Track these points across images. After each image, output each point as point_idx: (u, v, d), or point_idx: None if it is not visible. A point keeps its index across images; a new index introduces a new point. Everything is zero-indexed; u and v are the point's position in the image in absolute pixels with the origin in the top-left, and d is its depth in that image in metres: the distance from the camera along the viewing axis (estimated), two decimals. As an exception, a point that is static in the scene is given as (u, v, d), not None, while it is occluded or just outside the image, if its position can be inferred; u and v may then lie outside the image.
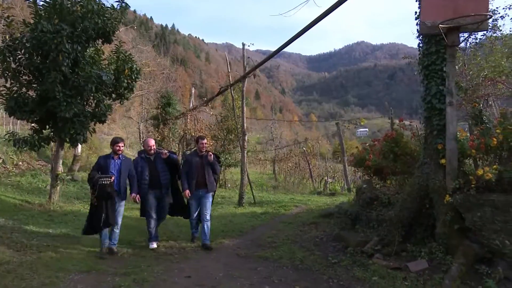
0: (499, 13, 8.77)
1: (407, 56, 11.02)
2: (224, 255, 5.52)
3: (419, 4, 5.10)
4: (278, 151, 23.24)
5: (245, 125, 11.44)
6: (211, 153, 6.14)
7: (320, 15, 7.49)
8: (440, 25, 4.48)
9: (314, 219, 7.80)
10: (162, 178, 5.96)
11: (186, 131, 15.16)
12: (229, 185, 16.41)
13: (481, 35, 7.81)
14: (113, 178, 5.38)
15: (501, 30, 8.05)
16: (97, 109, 8.79)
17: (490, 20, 7.63)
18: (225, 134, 16.30)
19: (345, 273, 4.50)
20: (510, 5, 9.63)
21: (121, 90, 9.00)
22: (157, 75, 23.01)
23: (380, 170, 6.44)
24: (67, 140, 8.52)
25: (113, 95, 9.11)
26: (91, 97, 8.66)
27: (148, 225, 5.96)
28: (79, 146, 14.60)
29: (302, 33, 8.42)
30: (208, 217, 6.02)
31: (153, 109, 17.82)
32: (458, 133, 4.81)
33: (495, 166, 4.32)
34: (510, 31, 8.26)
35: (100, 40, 8.65)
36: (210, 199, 6.17)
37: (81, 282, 4.08)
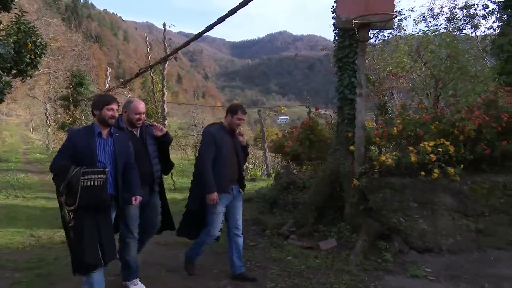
0: (403, 14, 9.69)
1: (325, 48, 11.61)
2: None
3: (335, -2, 5.38)
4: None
5: (165, 109, 11.10)
6: (242, 133, 4.07)
7: (244, 0, 7.49)
8: (353, 21, 4.80)
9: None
10: (155, 168, 3.69)
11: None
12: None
13: (388, 33, 8.54)
14: (106, 172, 2.95)
15: (404, 30, 8.92)
16: (-8, 86, 7.76)
17: (396, 20, 8.38)
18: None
19: (262, 254, 4.68)
20: (413, 8, 10.68)
21: (22, 66, 8.04)
22: (67, 51, 20.99)
23: (297, 156, 6.76)
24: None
25: (13, 71, 8.10)
26: (-15, 72, 7.61)
27: (126, 251, 3.50)
28: (-29, 128, 12.81)
29: (226, 18, 8.36)
30: (241, 229, 4.04)
31: (63, 89, 16.35)
32: (366, 123, 5.26)
33: (395, 153, 4.81)
34: (412, 31, 9.21)
35: (-5, 7, 7.58)
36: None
37: (-27, 281, 3.64)
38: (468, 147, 4.84)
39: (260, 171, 18.90)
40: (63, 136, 17.36)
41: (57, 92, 19.61)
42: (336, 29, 5.43)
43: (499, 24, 9.29)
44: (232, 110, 3.90)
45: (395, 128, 4.97)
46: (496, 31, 9.36)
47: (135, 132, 3.64)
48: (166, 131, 3.86)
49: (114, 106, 3.10)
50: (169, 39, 11.15)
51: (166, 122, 11.18)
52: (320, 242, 4.80)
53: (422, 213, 4.57)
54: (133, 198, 3.26)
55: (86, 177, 2.83)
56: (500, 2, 9.43)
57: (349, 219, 5.01)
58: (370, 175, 4.81)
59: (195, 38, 10.90)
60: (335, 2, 5.33)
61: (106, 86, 16.20)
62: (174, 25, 12.15)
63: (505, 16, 8.97)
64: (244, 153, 4.06)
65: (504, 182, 4.65)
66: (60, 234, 5.71)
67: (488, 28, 10.08)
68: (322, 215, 5.37)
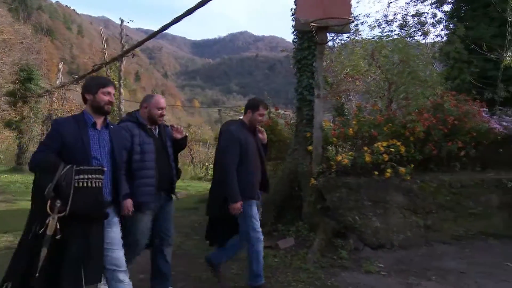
0: (360, 19, 10.04)
1: (285, 50, 11.77)
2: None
3: (295, 1, 5.47)
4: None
5: (122, 107, 10.74)
6: (262, 129, 3.76)
7: (204, -1, 7.40)
8: (312, 23, 4.90)
9: (194, 204, 7.84)
10: (173, 173, 3.38)
11: (52, 112, 13.47)
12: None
13: (346, 37, 8.82)
14: (104, 171, 2.44)
15: (361, 34, 9.23)
16: None
17: (353, 25, 8.67)
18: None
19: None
20: (369, 14, 11.09)
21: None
22: (14, 44, 19.69)
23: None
24: None
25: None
26: None
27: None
28: None
29: (186, 15, 8.22)
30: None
31: (9, 83, 15.30)
32: (323, 123, 5.39)
33: (350, 153, 4.98)
34: (367, 36, 9.58)
35: None
36: None
37: None
38: (418, 148, 5.11)
39: (220, 171, 18.78)
40: (8, 134, 16.26)
41: (2, 87, 18.35)
42: (296, 31, 5.53)
43: (446, 32, 9.90)
44: (253, 105, 3.56)
45: (351, 129, 5.14)
46: (444, 39, 9.95)
47: (153, 130, 3.29)
48: (185, 134, 3.56)
49: (111, 90, 2.62)
50: (127, 35, 10.80)
51: (123, 121, 10.83)
52: (278, 241, 4.85)
53: (375, 211, 4.76)
54: (126, 202, 2.85)
55: (80, 176, 2.29)
56: (447, 11, 10.05)
57: (307, 218, 5.11)
58: (327, 175, 4.93)
59: (154, 34, 10.64)
60: (295, 5, 5.42)
61: (58, 82, 15.41)
62: (132, 21, 11.78)
63: (452, 25, 9.57)
64: (264, 152, 3.74)
65: (450, 181, 4.95)
66: (4, 239, 5.36)
67: (436, 36, 10.70)
68: (281, 215, 5.44)
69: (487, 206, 4.93)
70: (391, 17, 10.90)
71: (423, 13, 10.67)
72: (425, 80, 6.44)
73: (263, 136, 3.71)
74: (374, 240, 4.69)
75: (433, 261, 4.32)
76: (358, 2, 16.34)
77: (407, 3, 11.14)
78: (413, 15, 10.65)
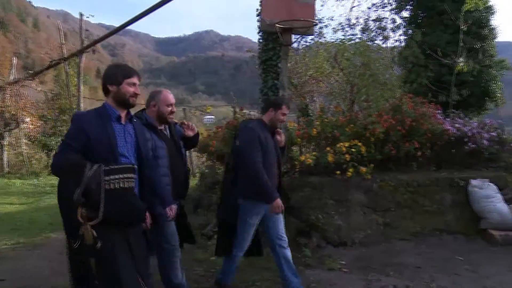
0: (324, 22, 10.27)
1: (251, 50, 11.82)
2: (51, 251, 4.89)
3: (260, 2, 5.49)
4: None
5: (82, 105, 10.33)
6: (280, 131, 3.55)
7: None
8: (277, 25, 4.94)
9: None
10: (188, 177, 3.24)
11: (5, 109, 12.70)
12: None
13: (310, 39, 8.98)
14: (136, 169, 2.29)
15: (325, 37, 9.45)
16: None
17: (317, 27, 8.85)
18: (57, 114, 14.38)
19: (186, 255, 4.56)
20: (332, 17, 11.38)
21: None
22: (-38, 36, 18.39)
23: (223, 155, 6.76)
24: None
25: None
26: None
27: (173, 273, 2.97)
28: None
29: (150, 12, 8.03)
30: (287, 240, 3.49)
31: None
32: (288, 124, 5.46)
33: (314, 153, 5.08)
34: (331, 38, 9.83)
35: None
36: None
37: None
38: (378, 148, 5.29)
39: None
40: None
41: None
42: (261, 32, 5.55)
43: (405, 37, 10.37)
44: (275, 103, 3.34)
45: (315, 129, 5.24)
46: (403, 44, 10.41)
47: (164, 130, 2.98)
48: (197, 131, 3.26)
49: (137, 80, 2.37)
50: (87, 30, 10.39)
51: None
52: (243, 241, 4.86)
53: (338, 209, 4.88)
54: (168, 209, 2.74)
55: (111, 177, 2.03)
56: (406, 18, 10.51)
57: (271, 217, 5.14)
58: (292, 174, 5.00)
59: (116, 30, 10.32)
60: (260, 5, 5.44)
61: (11, 78, 14.55)
62: (92, 16, 11.41)
63: (410, 31, 10.02)
64: (282, 155, 3.48)
65: (407, 180, 5.18)
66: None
67: (396, 41, 11.14)
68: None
69: (441, 204, 5.20)
70: (353, 21, 11.22)
71: (383, 18, 11.10)
72: (385, 83, 6.69)
73: (281, 138, 3.46)
74: (336, 238, 4.81)
75: (391, 257, 4.49)
76: (322, 5, 16.66)
77: (369, 8, 11.55)
78: (374, 20, 11.04)
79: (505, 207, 4.88)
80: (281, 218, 3.37)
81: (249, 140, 3.15)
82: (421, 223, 5.11)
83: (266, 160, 3.14)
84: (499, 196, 4.99)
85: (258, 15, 5.54)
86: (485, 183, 5.10)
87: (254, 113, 7.97)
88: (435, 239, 4.99)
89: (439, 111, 6.13)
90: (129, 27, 9.28)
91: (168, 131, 3.03)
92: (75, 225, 2.00)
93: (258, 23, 5.53)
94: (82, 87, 10.36)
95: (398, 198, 5.09)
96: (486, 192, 4.98)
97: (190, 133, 3.17)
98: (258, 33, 5.66)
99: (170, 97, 3.00)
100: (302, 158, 4.95)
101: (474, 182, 5.15)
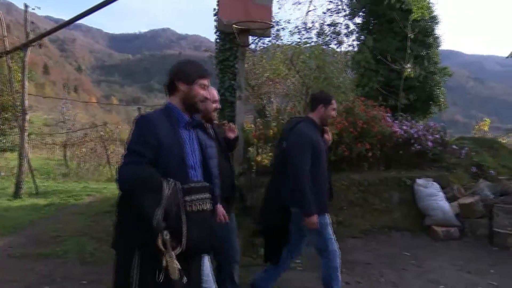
0: (281, 25, 10.41)
1: (208, 50, 11.71)
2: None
3: (217, 2, 5.46)
4: (71, 135, 20.80)
5: (26, 102, 9.68)
6: (327, 129, 3.20)
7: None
8: (234, 25, 4.94)
9: (110, 207, 7.38)
10: (233, 177, 3.03)
11: None
12: (2, 173, 13.61)
13: (268, 41, 9.07)
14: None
15: (282, 39, 9.58)
16: None
17: (274, 30, 8.96)
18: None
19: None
20: (289, 20, 11.58)
21: None
22: None
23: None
24: None
25: None
26: None
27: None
28: None
29: (103, 6, 7.71)
30: None
31: None
32: (244, 124, 5.48)
33: (270, 154, 5.14)
34: (288, 41, 9.97)
35: None
36: None
37: None
38: (332, 149, 5.46)
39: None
40: None
41: None
42: (218, 32, 5.53)
43: (358, 43, 10.77)
44: (325, 99, 3.03)
45: (271, 130, 5.30)
46: (355, 49, 10.81)
47: (209, 130, 2.69)
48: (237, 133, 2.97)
49: (208, 83, 2.01)
50: (32, 22, 9.78)
51: (27, 117, 9.76)
52: (199, 243, 4.80)
53: (293, 209, 4.96)
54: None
55: (192, 197, 1.72)
56: (359, 24, 10.94)
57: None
58: (248, 175, 5.02)
59: (66, 24, 9.80)
60: (217, 5, 5.41)
61: None
62: (39, 8, 10.59)
63: (362, 36, 10.44)
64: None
65: (359, 179, 5.39)
66: None
67: (349, 45, 11.55)
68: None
69: (390, 202, 5.46)
70: (309, 25, 11.49)
71: (337, 23, 11.45)
72: (339, 86, 6.91)
73: (329, 137, 3.17)
74: (291, 238, 4.88)
75: (344, 255, 4.60)
76: (279, 8, 16.86)
77: (324, 13, 11.86)
78: (329, 25, 11.37)
79: (446, 205, 5.22)
80: None
81: (300, 143, 2.86)
82: (371, 221, 5.33)
83: (319, 164, 2.89)
84: (441, 195, 5.33)
85: (215, 14, 5.51)
86: (429, 182, 5.43)
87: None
88: (384, 236, 5.23)
89: (389, 114, 6.44)
90: (80, 21, 8.86)
91: (212, 130, 2.76)
92: (151, 254, 1.67)
93: (215, 23, 5.50)
94: (27, 83, 9.69)
95: (351, 197, 5.28)
96: (430, 191, 5.30)
97: (231, 135, 2.92)
98: (215, 33, 5.63)
99: (215, 93, 2.76)
100: (259, 158, 4.99)
101: (419, 181, 5.46)
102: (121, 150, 23.23)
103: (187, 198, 1.70)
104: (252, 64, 8.14)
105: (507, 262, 4.24)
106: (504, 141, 11.34)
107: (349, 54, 10.83)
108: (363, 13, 10.72)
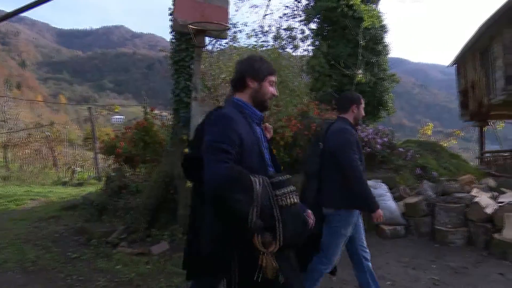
0: (238, 27, 10.47)
1: (164, 49, 11.48)
2: None
3: (173, 1, 5.37)
4: (13, 135, 19.42)
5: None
6: None
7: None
8: (190, 26, 4.88)
9: (55, 212, 6.98)
10: None
11: None
12: None
13: (225, 43, 9.08)
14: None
15: (238, 41, 9.63)
16: None
17: (232, 32, 8.98)
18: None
19: (86, 266, 4.25)
20: (246, 23, 11.63)
21: None
22: None
23: (131, 158, 6.45)
24: None
25: None
26: None
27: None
28: None
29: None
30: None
31: None
32: (200, 126, 5.42)
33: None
34: (244, 43, 10.04)
35: None
36: None
37: None
38: (287, 151, 5.56)
39: (90, 174, 17.29)
40: None
41: None
42: (174, 32, 5.44)
43: (312, 48, 11.06)
44: (357, 99, 3.05)
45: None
46: (310, 54, 11.10)
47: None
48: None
49: (276, 80, 1.99)
50: (-31, 13, 9.01)
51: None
52: (151, 247, 4.67)
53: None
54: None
55: (281, 191, 1.67)
56: (313, 29, 11.24)
57: (182, 221, 5.04)
58: (203, 177, 4.97)
59: (7, 16, 9.15)
60: (173, 5, 5.32)
61: None
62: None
63: (317, 42, 10.73)
64: None
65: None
66: None
67: (304, 50, 11.84)
68: (155, 219, 5.25)
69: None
70: (266, 29, 11.64)
71: (293, 28, 11.70)
72: (294, 90, 7.06)
73: (270, 134, 3.07)
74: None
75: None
76: (236, 10, 17.02)
77: (280, 17, 12.09)
78: (285, 29, 11.58)
79: (393, 205, 5.49)
80: (362, 228, 3.09)
81: (346, 142, 2.83)
82: (324, 221, 5.47)
83: (361, 161, 2.88)
84: (389, 195, 5.60)
85: (170, 14, 5.42)
86: (378, 183, 5.69)
87: (166, 114, 7.75)
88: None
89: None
90: (24, 14, 8.31)
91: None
92: (245, 253, 1.64)
93: (171, 23, 5.40)
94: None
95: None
96: (378, 192, 5.55)
97: (268, 135, 2.84)
98: (171, 32, 5.54)
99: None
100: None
101: (369, 182, 5.69)
102: (70, 151, 22.13)
103: (278, 192, 1.66)
104: (209, 65, 8.09)
105: (446, 258, 4.53)
106: (445, 145, 12.19)
107: (304, 58, 11.09)
108: (318, 19, 11.03)
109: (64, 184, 13.59)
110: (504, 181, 6.40)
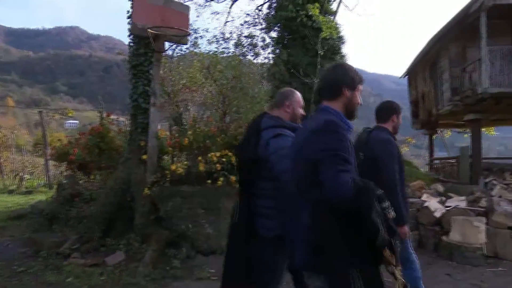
0: (199, 33, 10.40)
1: (122, 53, 11.15)
2: None
3: (131, 4, 5.26)
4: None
5: None
6: None
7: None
8: (149, 30, 4.80)
9: (1, 223, 6.52)
10: None
11: None
12: None
13: (185, 48, 8.97)
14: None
15: (199, 47, 9.56)
16: None
17: (192, 37, 8.91)
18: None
19: (34, 280, 4.01)
20: (207, 29, 11.63)
21: None
22: None
23: (85, 165, 6.19)
24: None
25: None
26: None
27: None
28: None
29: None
30: None
31: None
32: (159, 132, 5.32)
33: (185, 162, 5.06)
34: (205, 50, 9.98)
35: None
36: None
37: None
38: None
39: (40, 181, 16.36)
40: None
41: None
42: (132, 35, 5.32)
43: (273, 55, 11.23)
44: (397, 108, 3.04)
45: (186, 139, 5.22)
46: (271, 61, 11.26)
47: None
48: None
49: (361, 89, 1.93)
50: None
51: None
52: (106, 258, 4.49)
53: (208, 218, 4.94)
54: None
55: (384, 205, 1.61)
56: (274, 38, 11.43)
57: (139, 230, 4.90)
58: (162, 184, 4.87)
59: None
60: (132, 8, 5.21)
61: None
62: None
63: (277, 50, 10.92)
64: None
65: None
66: None
67: (265, 58, 11.99)
68: (110, 228, 5.06)
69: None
70: (227, 35, 11.67)
71: (254, 36, 11.82)
72: (254, 97, 7.11)
73: None
74: (206, 247, 4.84)
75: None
76: (198, 16, 16.90)
77: (242, 25, 12.18)
78: (246, 36, 11.67)
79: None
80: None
81: (389, 154, 2.82)
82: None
83: (402, 177, 2.88)
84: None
85: (129, 17, 5.30)
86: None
87: (123, 119, 7.52)
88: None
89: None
90: (-33, 11, 7.76)
91: None
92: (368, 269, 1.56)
93: (129, 26, 5.28)
94: None
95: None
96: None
97: None
98: (129, 36, 5.41)
99: (300, 99, 2.52)
100: (173, 167, 4.88)
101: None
102: (18, 157, 20.82)
103: (383, 205, 1.61)
104: (168, 71, 7.95)
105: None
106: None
107: (265, 66, 11.23)
108: (279, 28, 11.22)
109: (11, 192, 12.75)
110: (451, 186, 6.83)
